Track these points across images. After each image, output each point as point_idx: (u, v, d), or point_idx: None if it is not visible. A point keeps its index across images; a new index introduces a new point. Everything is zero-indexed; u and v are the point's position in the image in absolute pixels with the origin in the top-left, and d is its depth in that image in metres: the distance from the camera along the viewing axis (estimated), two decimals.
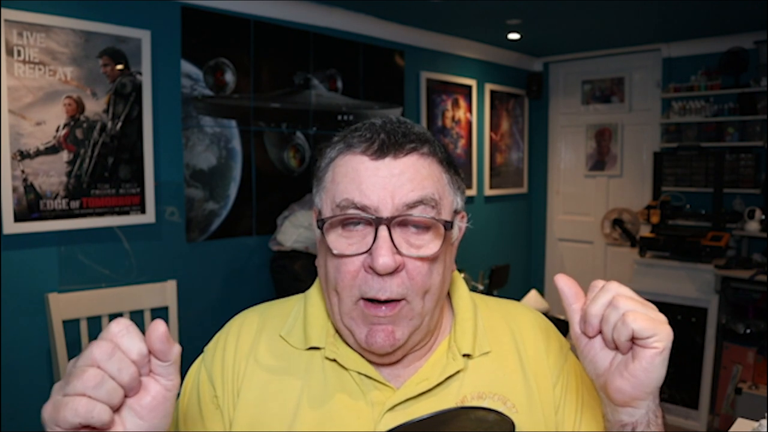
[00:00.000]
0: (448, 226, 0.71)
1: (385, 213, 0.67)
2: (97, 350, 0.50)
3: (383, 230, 0.67)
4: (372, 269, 0.67)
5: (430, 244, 0.70)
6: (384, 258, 0.65)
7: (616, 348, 0.61)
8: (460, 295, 0.82)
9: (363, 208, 0.68)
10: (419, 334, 0.73)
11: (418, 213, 0.69)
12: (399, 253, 0.67)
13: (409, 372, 0.76)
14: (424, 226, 0.70)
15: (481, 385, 0.76)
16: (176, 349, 0.53)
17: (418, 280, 0.69)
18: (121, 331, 0.52)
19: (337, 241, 0.70)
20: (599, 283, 0.62)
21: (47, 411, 0.50)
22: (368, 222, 0.68)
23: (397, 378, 0.75)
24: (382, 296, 0.68)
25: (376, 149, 0.69)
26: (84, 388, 0.49)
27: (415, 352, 0.76)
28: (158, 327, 0.52)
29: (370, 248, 0.67)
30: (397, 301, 0.69)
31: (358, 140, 0.71)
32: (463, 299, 0.82)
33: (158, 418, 0.54)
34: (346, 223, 0.70)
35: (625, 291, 0.61)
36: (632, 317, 0.57)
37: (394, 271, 0.67)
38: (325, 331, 0.77)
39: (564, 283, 0.64)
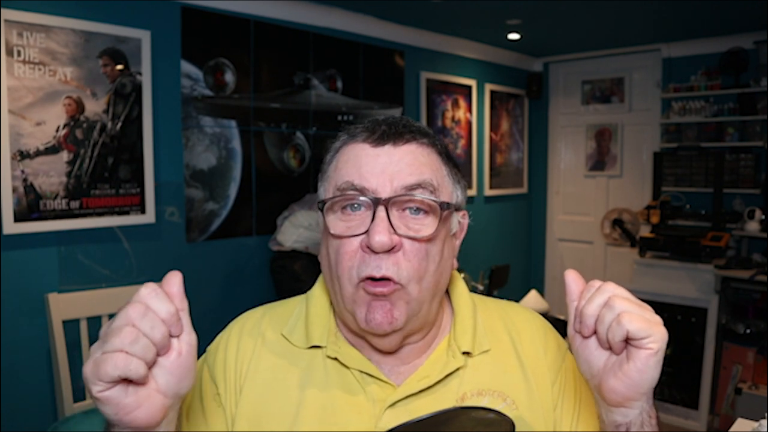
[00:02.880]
0: (445, 206, 0.71)
1: (384, 195, 0.69)
2: (131, 310, 0.56)
3: (381, 210, 0.68)
4: (369, 248, 0.68)
5: (427, 227, 0.71)
6: (380, 235, 0.67)
7: (610, 348, 0.61)
8: (460, 294, 0.83)
9: (362, 191, 0.70)
10: (417, 322, 0.73)
11: (417, 195, 0.70)
12: (396, 233, 0.69)
13: (410, 369, 0.77)
14: (423, 210, 0.71)
15: (481, 382, 0.76)
16: (186, 302, 0.60)
17: (415, 262, 0.70)
18: (150, 293, 0.57)
19: (336, 223, 0.72)
20: (596, 283, 0.63)
21: (88, 368, 0.54)
22: (367, 206, 0.70)
23: (398, 375, 0.76)
24: (377, 274, 0.68)
25: (377, 137, 0.72)
26: (122, 344, 0.53)
27: (414, 344, 0.77)
28: (175, 275, 0.60)
29: (368, 228, 0.68)
30: (394, 282, 0.70)
31: (360, 131, 0.74)
32: (463, 298, 0.83)
33: (185, 372, 0.59)
34: (346, 207, 0.71)
35: (621, 292, 0.61)
36: (627, 318, 0.58)
37: (391, 251, 0.68)
38: (326, 329, 0.78)
39: (572, 279, 0.64)
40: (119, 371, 0.53)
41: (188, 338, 0.59)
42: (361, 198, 0.70)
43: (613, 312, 0.59)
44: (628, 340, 0.59)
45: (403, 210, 0.71)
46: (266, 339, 0.80)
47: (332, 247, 0.72)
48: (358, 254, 0.70)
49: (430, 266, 0.71)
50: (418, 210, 0.71)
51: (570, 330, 0.64)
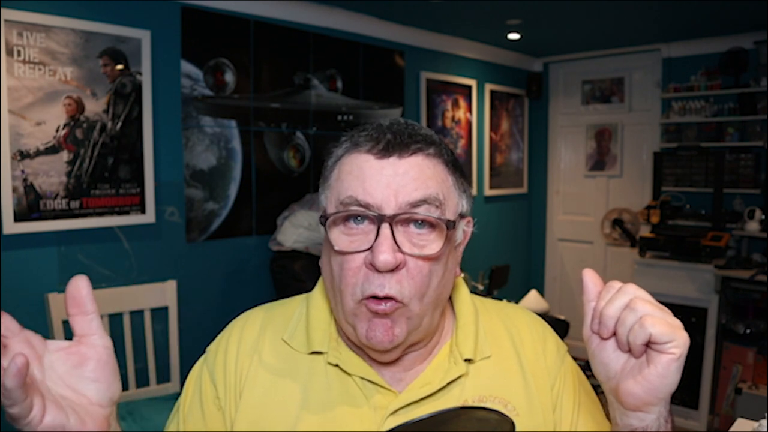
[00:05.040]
0: (450, 225, 0.70)
1: (388, 211, 0.67)
2: None
3: (385, 228, 0.66)
4: (373, 266, 0.67)
5: (432, 243, 0.69)
6: (384, 255, 0.65)
7: (629, 351, 0.60)
8: (462, 299, 0.82)
9: (366, 206, 0.68)
10: (418, 334, 0.73)
11: (422, 212, 0.68)
12: (401, 251, 0.67)
13: (411, 376, 0.76)
14: (427, 226, 0.69)
15: (482, 388, 0.76)
16: (95, 305, 0.58)
17: (418, 279, 0.68)
18: None
19: (340, 238, 0.70)
20: (616, 284, 0.62)
21: (11, 420, 0.50)
22: (371, 220, 0.68)
23: (400, 382, 0.76)
24: (381, 293, 0.67)
25: (382, 148, 0.69)
26: None
27: (416, 352, 0.76)
28: (81, 278, 0.57)
29: (371, 246, 0.67)
30: (396, 301, 0.69)
31: (364, 139, 0.71)
32: (465, 303, 0.82)
33: (111, 376, 0.57)
34: (349, 220, 0.70)
35: (643, 294, 0.60)
36: (650, 321, 0.57)
37: (395, 269, 0.67)
38: (327, 335, 0.77)
39: (590, 279, 0.64)
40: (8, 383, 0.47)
41: (103, 342, 0.57)
42: (365, 212, 0.68)
43: (636, 314, 0.58)
44: (649, 344, 0.58)
45: (408, 224, 0.69)
46: (266, 342, 0.79)
47: (335, 261, 0.71)
48: (362, 271, 0.68)
49: (432, 282, 0.70)
50: (422, 224, 0.69)
51: (586, 331, 0.63)
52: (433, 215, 0.69)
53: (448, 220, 0.69)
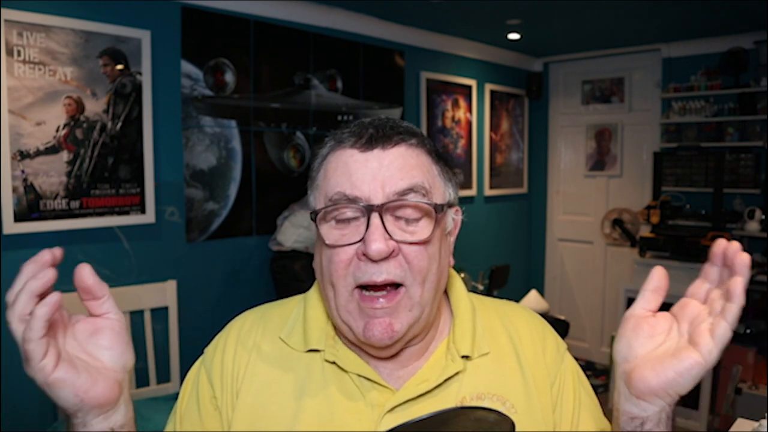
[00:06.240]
0: (439, 209, 0.71)
1: (376, 202, 0.68)
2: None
3: (375, 217, 0.67)
4: (366, 256, 0.67)
5: (422, 229, 0.70)
6: (377, 243, 0.66)
7: (678, 320, 0.64)
8: (459, 296, 0.82)
9: (354, 200, 0.69)
10: (418, 327, 0.73)
11: (409, 199, 0.70)
12: (392, 238, 0.68)
13: (409, 373, 0.76)
14: (416, 213, 0.71)
15: (480, 385, 0.76)
16: (105, 287, 0.65)
17: (415, 263, 0.69)
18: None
19: (330, 232, 0.71)
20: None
21: (27, 366, 0.57)
22: (361, 213, 0.69)
23: (397, 379, 0.76)
24: (378, 279, 0.68)
25: (365, 142, 0.71)
26: (11, 318, 0.60)
27: (413, 347, 0.76)
28: (83, 268, 0.65)
29: (363, 237, 0.67)
30: (396, 287, 0.69)
31: (347, 135, 0.73)
32: (462, 300, 0.82)
33: (124, 346, 0.65)
34: (339, 215, 0.70)
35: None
36: (726, 327, 0.58)
37: (389, 256, 0.68)
38: (324, 333, 0.77)
39: (658, 275, 0.68)
40: (18, 318, 0.57)
41: (118, 316, 0.65)
42: (354, 206, 0.69)
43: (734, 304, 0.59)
44: (696, 336, 0.59)
45: (397, 215, 0.70)
46: (264, 342, 0.79)
47: (326, 255, 0.71)
48: (353, 263, 0.69)
49: (431, 266, 0.71)
50: (412, 213, 0.70)
51: (633, 311, 0.65)
52: (421, 201, 0.70)
53: (436, 204, 0.71)
